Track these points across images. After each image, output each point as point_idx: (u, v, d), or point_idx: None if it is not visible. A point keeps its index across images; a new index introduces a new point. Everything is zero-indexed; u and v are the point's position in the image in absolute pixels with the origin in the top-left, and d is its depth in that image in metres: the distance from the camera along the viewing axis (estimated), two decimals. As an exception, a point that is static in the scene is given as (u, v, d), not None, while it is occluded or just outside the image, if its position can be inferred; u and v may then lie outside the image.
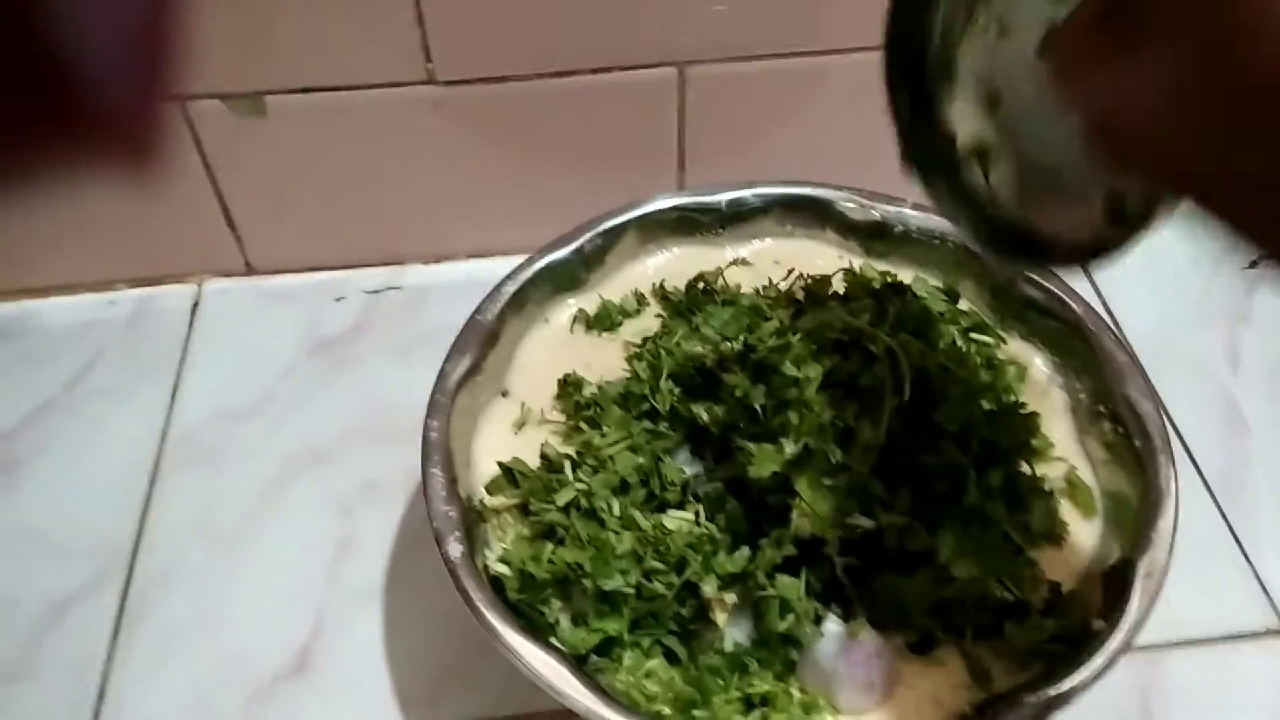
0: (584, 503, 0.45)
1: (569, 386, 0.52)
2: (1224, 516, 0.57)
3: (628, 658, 0.42)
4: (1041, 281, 0.53)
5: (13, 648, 0.53)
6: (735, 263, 0.57)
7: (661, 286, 0.56)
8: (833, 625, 0.41)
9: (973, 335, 0.52)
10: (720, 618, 0.40)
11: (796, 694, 0.40)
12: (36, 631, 0.54)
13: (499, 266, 0.57)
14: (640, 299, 0.56)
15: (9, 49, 0.15)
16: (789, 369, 0.42)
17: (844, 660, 0.39)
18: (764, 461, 0.41)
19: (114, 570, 0.56)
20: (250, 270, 0.72)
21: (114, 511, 0.59)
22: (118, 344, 0.68)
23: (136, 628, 0.54)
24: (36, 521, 0.59)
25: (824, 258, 0.57)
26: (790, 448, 0.42)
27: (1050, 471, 0.48)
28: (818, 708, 0.40)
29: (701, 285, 0.55)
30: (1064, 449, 0.49)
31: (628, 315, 0.56)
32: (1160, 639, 0.51)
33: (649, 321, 0.55)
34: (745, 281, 0.55)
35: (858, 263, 0.57)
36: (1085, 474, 0.48)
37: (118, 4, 0.16)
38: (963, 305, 0.54)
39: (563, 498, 0.45)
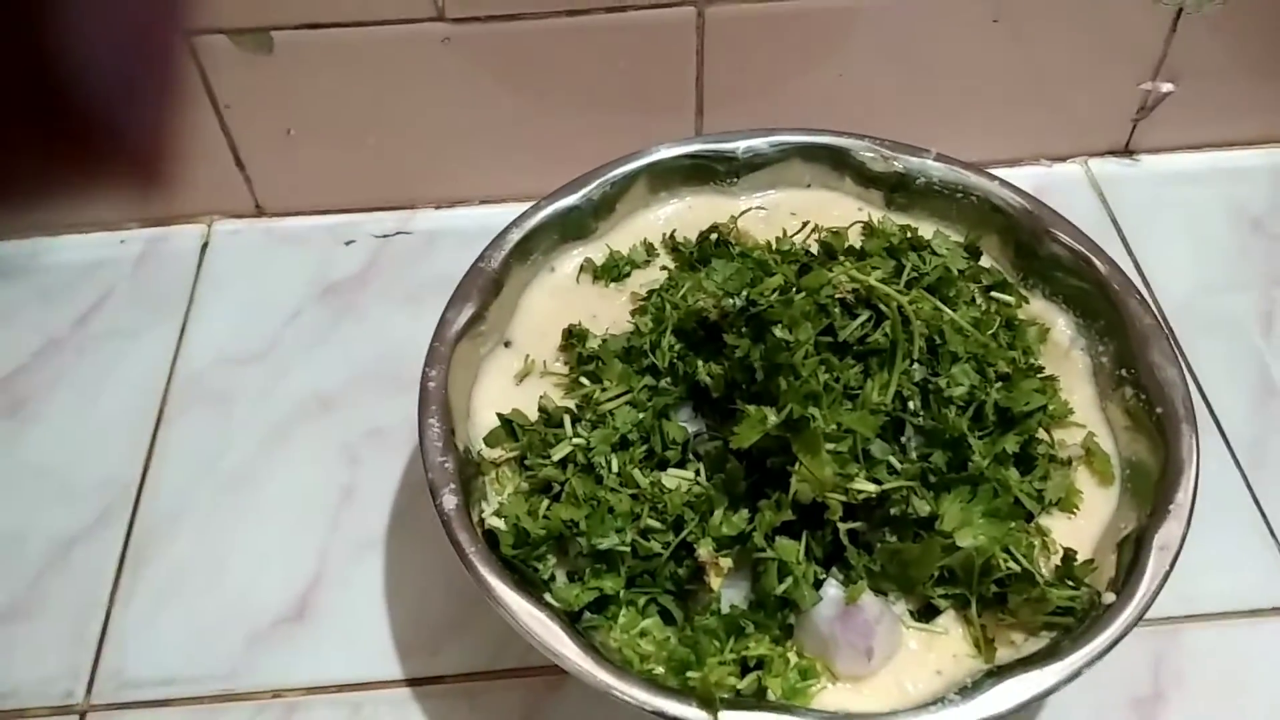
0: (581, 458, 0.44)
1: (573, 338, 0.50)
2: (1249, 486, 0.55)
3: (622, 616, 0.41)
4: (1067, 240, 0.51)
5: (18, 585, 0.53)
6: (749, 211, 0.55)
7: (672, 237, 0.55)
8: (832, 589, 0.39)
9: (993, 294, 0.50)
10: (715, 581, 0.39)
11: (793, 658, 0.40)
12: (42, 569, 0.54)
13: (511, 213, 0.55)
14: (649, 249, 0.55)
15: (24, 78, 0.16)
16: (780, 331, 0.40)
17: (842, 625, 0.38)
18: (747, 431, 0.39)
19: (119, 510, 0.56)
20: (260, 211, 0.71)
21: (120, 451, 0.59)
22: (127, 283, 0.68)
23: (140, 568, 0.54)
24: (43, 459, 0.59)
25: (842, 209, 0.55)
26: (772, 416, 0.40)
27: (1068, 437, 0.46)
28: (814, 672, 0.39)
29: (714, 236, 0.53)
30: (1084, 414, 0.47)
31: (636, 266, 0.54)
32: (1176, 611, 0.49)
33: (658, 273, 0.54)
34: (760, 233, 0.54)
35: (877, 215, 0.55)
36: (1105, 441, 0.47)
37: (126, 38, 0.17)
38: (984, 262, 0.52)
39: (559, 452, 0.44)
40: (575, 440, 0.44)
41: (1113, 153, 0.73)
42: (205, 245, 0.70)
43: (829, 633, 0.39)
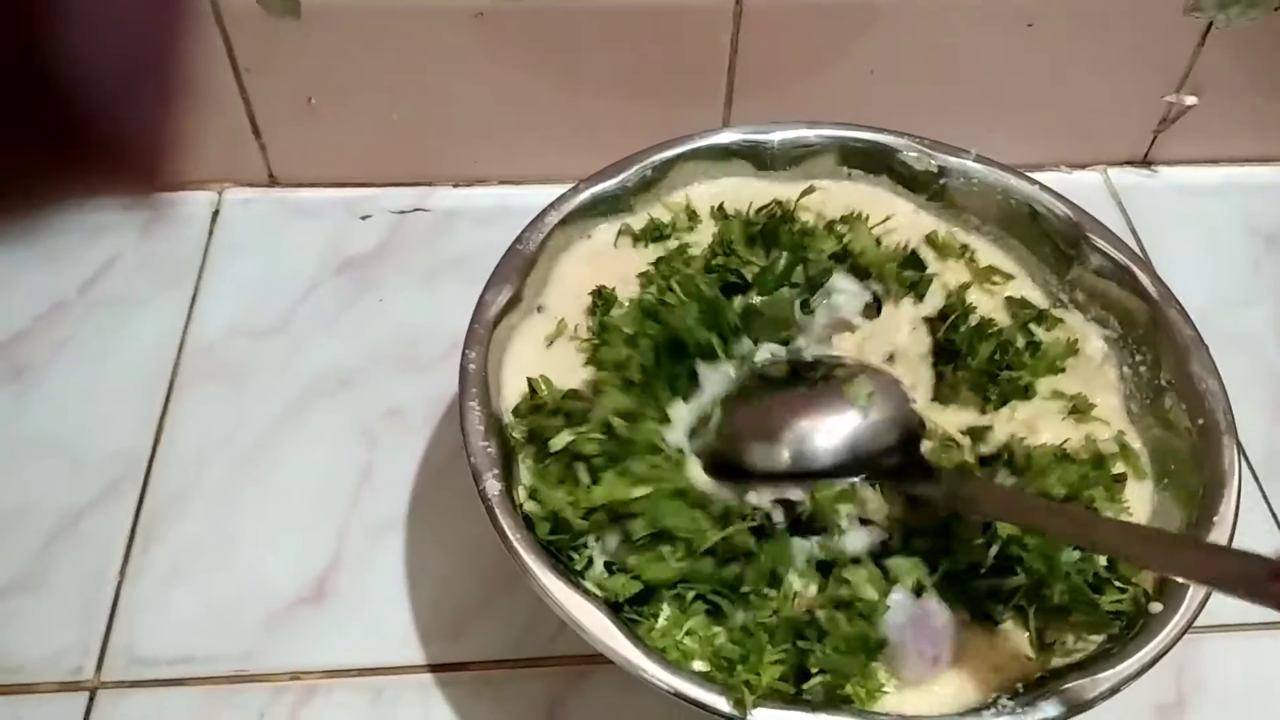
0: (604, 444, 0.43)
1: (600, 300, 0.50)
2: (1265, 499, 0.56)
3: (664, 616, 0.40)
4: (1108, 249, 0.51)
5: (24, 558, 0.52)
6: (811, 192, 0.54)
7: (721, 208, 0.54)
8: (899, 595, 0.39)
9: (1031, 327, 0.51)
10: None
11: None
12: (48, 542, 0.52)
13: (530, 194, 0.55)
14: (692, 215, 0.54)
15: (22, 89, 0.16)
16: None
17: (912, 633, 0.38)
18: None
19: (129, 483, 0.55)
20: (273, 181, 0.69)
21: (129, 422, 0.57)
22: (134, 249, 0.66)
23: (152, 543, 0.53)
24: (49, 428, 0.57)
25: (883, 204, 0.55)
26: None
27: (1096, 432, 0.47)
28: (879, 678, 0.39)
29: (779, 212, 0.52)
30: (1118, 422, 0.48)
31: (677, 230, 0.53)
32: (1197, 622, 0.50)
33: (699, 237, 0.53)
34: (810, 218, 0.53)
35: (925, 219, 0.54)
36: (1136, 446, 0.47)
37: (126, 45, 0.17)
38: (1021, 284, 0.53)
39: (559, 442, 0.43)
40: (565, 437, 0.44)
41: (1131, 163, 0.73)
42: (216, 213, 0.68)
43: (898, 640, 0.38)
